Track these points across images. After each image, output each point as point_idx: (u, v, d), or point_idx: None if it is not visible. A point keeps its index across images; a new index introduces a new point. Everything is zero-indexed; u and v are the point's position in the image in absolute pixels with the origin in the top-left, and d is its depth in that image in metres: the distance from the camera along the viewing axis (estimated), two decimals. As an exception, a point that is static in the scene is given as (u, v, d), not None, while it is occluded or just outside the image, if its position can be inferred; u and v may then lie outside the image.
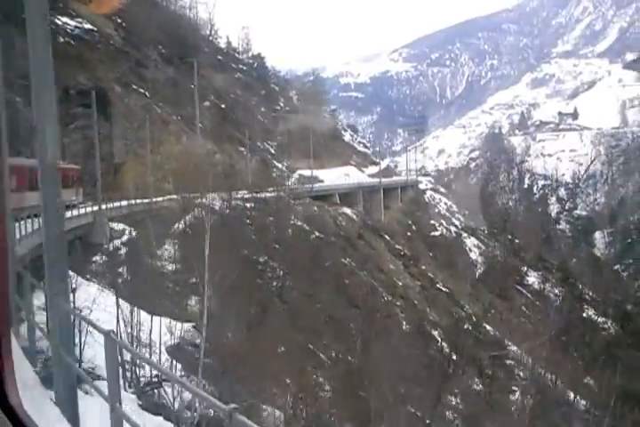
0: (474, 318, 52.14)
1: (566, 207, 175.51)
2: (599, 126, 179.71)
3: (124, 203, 29.67)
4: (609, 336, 55.59)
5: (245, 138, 50.88)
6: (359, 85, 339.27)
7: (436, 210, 67.78)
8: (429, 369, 31.77)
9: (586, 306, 61.74)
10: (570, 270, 64.20)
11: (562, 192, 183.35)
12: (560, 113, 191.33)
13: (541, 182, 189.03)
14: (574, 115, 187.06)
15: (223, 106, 55.61)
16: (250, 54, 72.34)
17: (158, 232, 31.00)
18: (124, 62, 41.04)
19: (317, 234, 40.28)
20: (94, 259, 23.12)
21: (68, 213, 21.49)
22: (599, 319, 59.68)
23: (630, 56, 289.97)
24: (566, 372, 43.77)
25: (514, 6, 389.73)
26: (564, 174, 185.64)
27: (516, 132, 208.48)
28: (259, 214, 38.16)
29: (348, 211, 51.33)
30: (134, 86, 39.48)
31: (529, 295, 63.55)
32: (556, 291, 63.59)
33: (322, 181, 55.13)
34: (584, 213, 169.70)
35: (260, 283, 34.15)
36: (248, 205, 38.35)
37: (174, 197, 33.35)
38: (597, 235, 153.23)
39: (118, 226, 24.24)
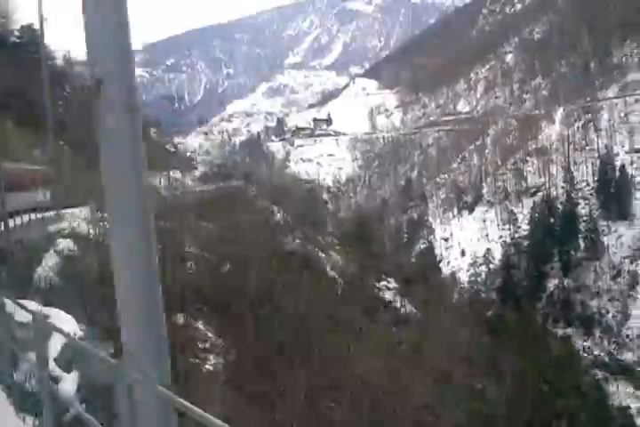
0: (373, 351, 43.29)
1: (330, 211, 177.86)
2: (353, 132, 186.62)
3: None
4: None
5: (52, 130, 34.53)
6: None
7: (276, 220, 57.18)
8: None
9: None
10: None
11: (325, 196, 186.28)
12: (315, 119, 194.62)
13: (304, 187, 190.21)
14: (328, 121, 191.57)
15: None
16: (16, 26, 53.23)
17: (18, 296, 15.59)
18: None
19: (226, 266, 27.46)
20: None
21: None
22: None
23: (355, 69, 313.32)
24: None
25: (246, 17, 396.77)
26: (324, 179, 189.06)
27: (273, 138, 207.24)
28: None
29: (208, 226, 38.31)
30: None
31: (390, 312, 56.93)
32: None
33: (159, 191, 41.31)
34: (349, 215, 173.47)
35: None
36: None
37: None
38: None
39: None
